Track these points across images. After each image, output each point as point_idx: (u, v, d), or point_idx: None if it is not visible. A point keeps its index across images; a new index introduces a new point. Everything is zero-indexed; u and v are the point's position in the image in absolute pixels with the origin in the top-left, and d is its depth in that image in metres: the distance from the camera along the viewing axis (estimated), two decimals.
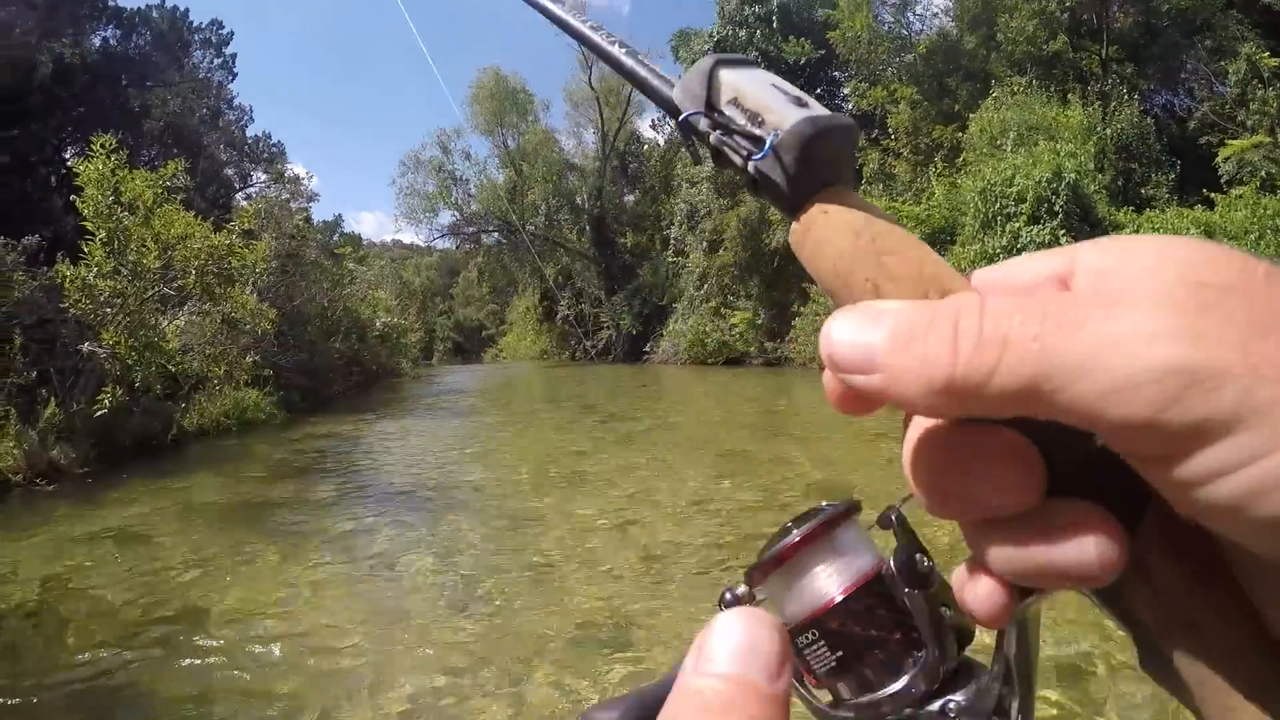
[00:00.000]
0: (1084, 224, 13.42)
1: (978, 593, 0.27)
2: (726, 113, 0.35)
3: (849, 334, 0.24)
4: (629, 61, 0.45)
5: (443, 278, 60.54)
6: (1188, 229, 11.78)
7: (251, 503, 7.01)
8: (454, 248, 47.20)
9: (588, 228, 37.00)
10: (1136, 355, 0.19)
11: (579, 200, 37.46)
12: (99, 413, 8.81)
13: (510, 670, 3.30)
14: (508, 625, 3.80)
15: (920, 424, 0.26)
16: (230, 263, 11.20)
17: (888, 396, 0.24)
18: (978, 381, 0.21)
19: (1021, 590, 0.27)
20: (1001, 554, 0.25)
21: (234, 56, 29.53)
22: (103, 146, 9.79)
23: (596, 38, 0.49)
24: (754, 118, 0.33)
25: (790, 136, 0.31)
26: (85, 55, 21.16)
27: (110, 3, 23.74)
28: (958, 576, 0.28)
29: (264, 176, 28.41)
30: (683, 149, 25.03)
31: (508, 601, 4.12)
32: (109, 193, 9.78)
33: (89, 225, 9.79)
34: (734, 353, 24.74)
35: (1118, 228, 13.28)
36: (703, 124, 0.36)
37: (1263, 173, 12.59)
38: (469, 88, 37.76)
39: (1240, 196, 11.86)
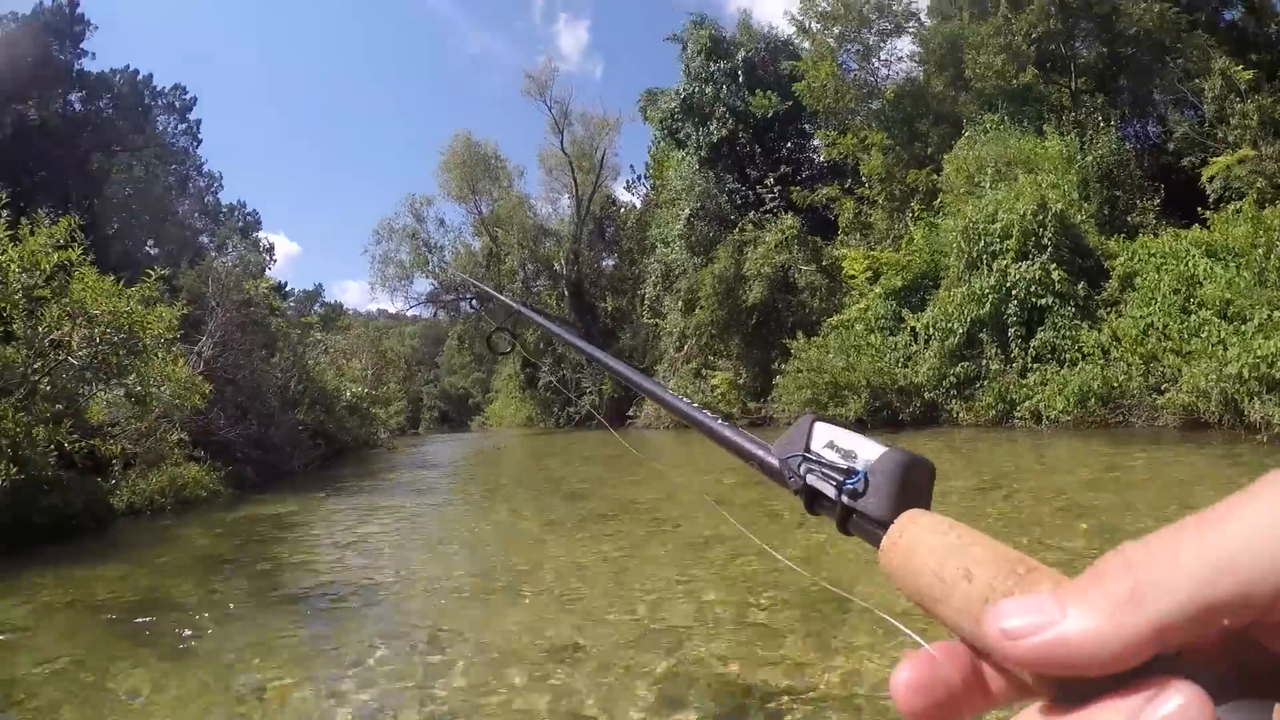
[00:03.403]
0: (1075, 255, 12.71)
1: None
2: (821, 455, 0.42)
3: (1021, 605, 0.26)
4: (728, 433, 0.57)
5: (426, 346, 60.02)
6: (1187, 250, 11.06)
7: (148, 603, 6.20)
8: (433, 316, 46.46)
9: (566, 293, 36.37)
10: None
11: (556, 266, 36.89)
12: None
13: None
14: None
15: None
16: (138, 332, 10.27)
17: (1075, 644, 0.24)
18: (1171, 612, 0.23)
19: None
20: None
21: (198, 122, 29.42)
22: None
23: (698, 415, 0.64)
24: (848, 455, 0.41)
25: (883, 463, 0.39)
26: (47, 119, 20.76)
27: (75, 65, 23.46)
28: None
29: (237, 249, 27.80)
30: (657, 208, 24.67)
31: None
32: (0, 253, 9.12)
33: None
34: (717, 414, 23.65)
35: (1110, 256, 12.58)
36: (797, 461, 0.43)
37: (1258, 184, 11.92)
38: (440, 154, 37.55)
39: (1239, 211, 11.16)
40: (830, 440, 0.42)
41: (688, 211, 26.14)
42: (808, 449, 0.43)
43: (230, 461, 14.26)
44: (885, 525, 0.36)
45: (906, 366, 14.99)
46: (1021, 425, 12.01)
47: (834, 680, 3.46)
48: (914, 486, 0.37)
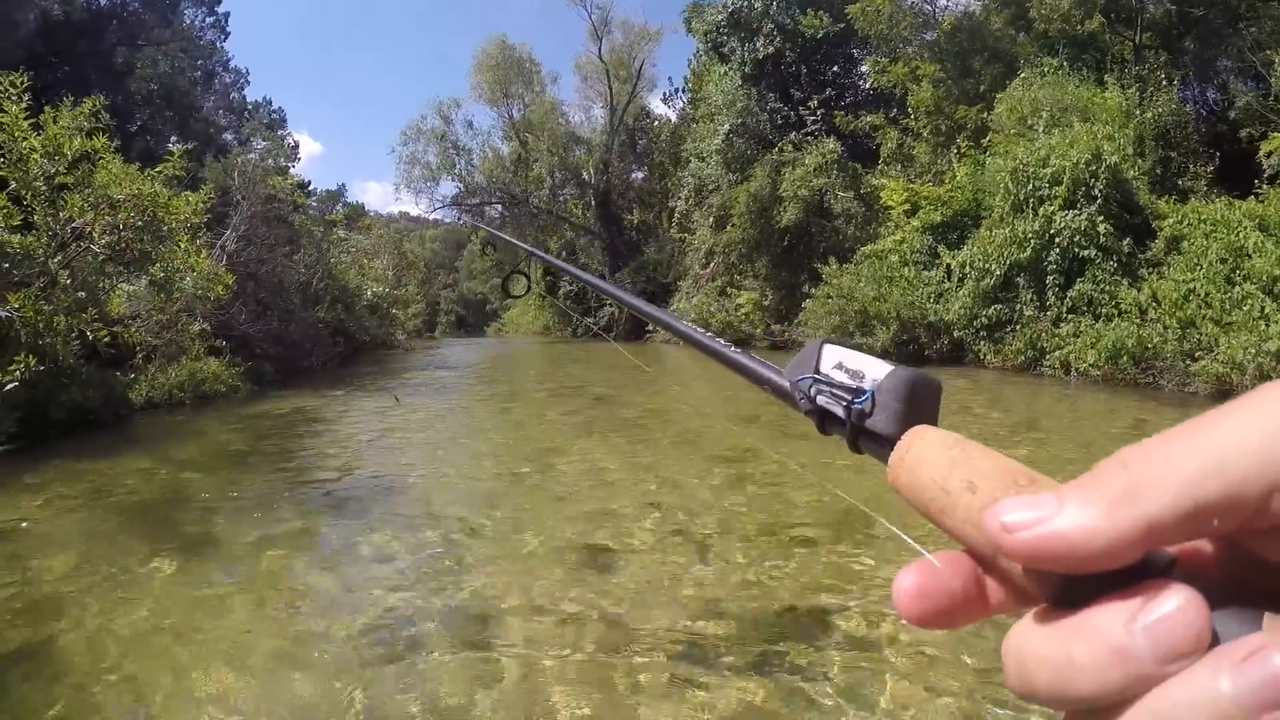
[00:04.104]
0: (1124, 211, 12.64)
1: None
2: (831, 375, 0.43)
3: (1021, 502, 0.27)
4: (737, 356, 0.58)
5: (447, 251, 59.99)
6: (1239, 221, 11.01)
7: (164, 496, 6.29)
8: (456, 220, 46.31)
9: (593, 202, 36.19)
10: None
11: (585, 175, 36.57)
12: (9, 385, 7.90)
13: None
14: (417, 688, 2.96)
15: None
16: (161, 217, 9.95)
17: (1071, 537, 0.25)
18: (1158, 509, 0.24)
19: None
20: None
21: (226, 15, 28.59)
22: (12, 85, 8.91)
23: (704, 339, 0.64)
24: (856, 375, 0.42)
25: (889, 381, 0.40)
26: (71, 13, 20.42)
27: None
28: None
29: (264, 143, 27.49)
30: (694, 123, 24.29)
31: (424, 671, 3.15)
32: (21, 137, 8.92)
33: (3, 173, 8.95)
34: (739, 334, 23.96)
35: (1159, 217, 12.54)
36: (807, 383, 0.44)
37: None
38: (473, 56, 36.79)
39: None
40: (839, 361, 0.43)
41: (727, 127, 25.77)
42: (817, 370, 0.44)
43: (250, 357, 14.46)
44: (893, 442, 0.37)
45: (938, 303, 15.14)
46: (1050, 374, 12.25)
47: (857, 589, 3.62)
48: (921, 403, 0.39)
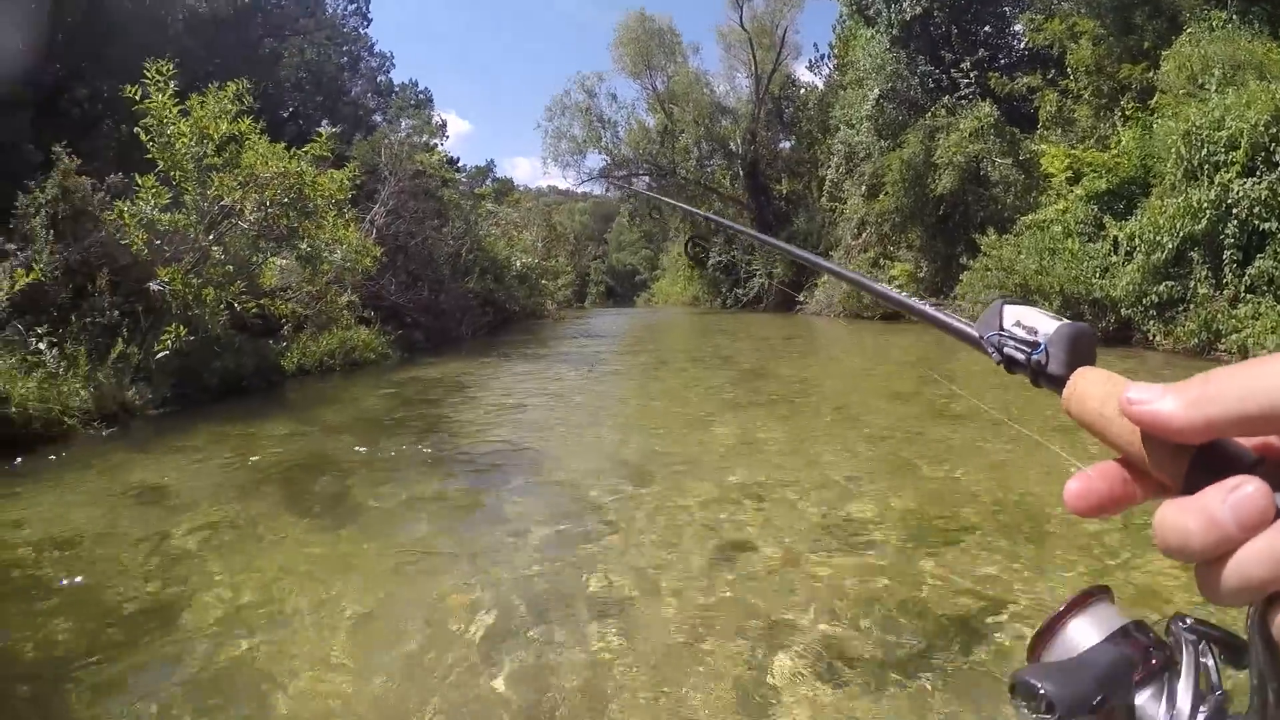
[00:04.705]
0: None
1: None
2: (1013, 331, 0.56)
3: (1144, 388, 0.39)
4: (933, 311, 0.70)
5: (596, 223, 61.53)
6: None
7: (311, 462, 6.53)
8: (604, 191, 47.55)
9: (740, 173, 36.29)
10: None
11: (732, 146, 36.68)
12: (160, 354, 8.54)
13: None
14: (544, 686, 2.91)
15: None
16: (308, 194, 10.36)
17: (1163, 415, 0.37)
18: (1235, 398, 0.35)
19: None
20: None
21: (368, 2, 30.41)
22: (159, 73, 9.38)
23: (903, 297, 0.80)
24: (1031, 331, 0.55)
25: (1057, 335, 0.52)
26: (218, 9, 21.95)
27: None
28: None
29: (411, 122, 29.06)
30: (841, 89, 23.91)
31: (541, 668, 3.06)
32: (170, 123, 9.47)
33: (153, 156, 9.51)
34: (892, 307, 23.60)
35: None
36: (996, 339, 0.57)
37: None
38: (614, 30, 37.50)
39: None
40: (1018, 319, 0.56)
41: (876, 93, 25.20)
42: (1001, 328, 0.57)
43: (400, 326, 15.18)
44: (1063, 381, 0.48)
45: (1104, 278, 14.51)
46: (1226, 359, 11.62)
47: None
48: (1082, 350, 0.51)
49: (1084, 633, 0.53)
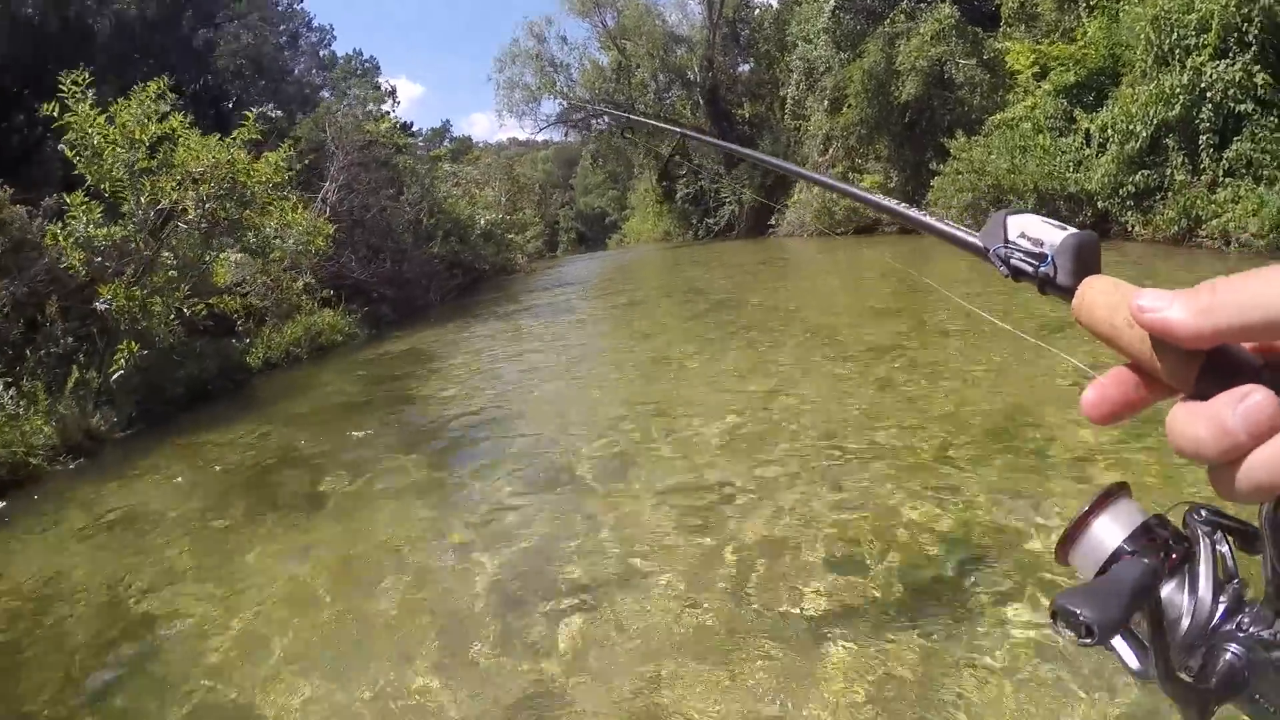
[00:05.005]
0: None
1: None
2: (1018, 243, 0.55)
3: (1153, 295, 0.40)
4: (938, 224, 0.67)
5: (560, 169, 60.45)
6: None
7: (281, 460, 6.48)
8: (564, 136, 46.52)
9: (701, 101, 35.50)
10: None
11: (690, 75, 35.78)
12: (116, 374, 8.26)
13: None
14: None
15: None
16: (243, 182, 9.88)
17: (1173, 322, 0.38)
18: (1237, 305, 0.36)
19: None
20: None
21: None
22: (75, 84, 8.94)
23: (903, 209, 0.76)
24: (1037, 242, 0.54)
25: (1062, 248, 0.52)
26: (144, 7, 21.22)
27: None
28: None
29: (357, 88, 27.98)
30: (797, 5, 23.10)
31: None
32: (95, 133, 9.04)
33: (80, 170, 9.07)
34: (865, 220, 23.44)
35: None
36: (1003, 252, 0.56)
37: None
38: None
39: None
40: (1022, 230, 0.55)
41: (832, 4, 24.50)
42: (1006, 240, 0.56)
43: (366, 302, 15.01)
44: (1072, 291, 0.49)
45: (1078, 171, 14.37)
46: (1208, 245, 11.57)
47: None
48: (1087, 259, 0.51)
49: (1108, 530, 0.54)
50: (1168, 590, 0.50)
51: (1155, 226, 12.62)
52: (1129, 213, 13.19)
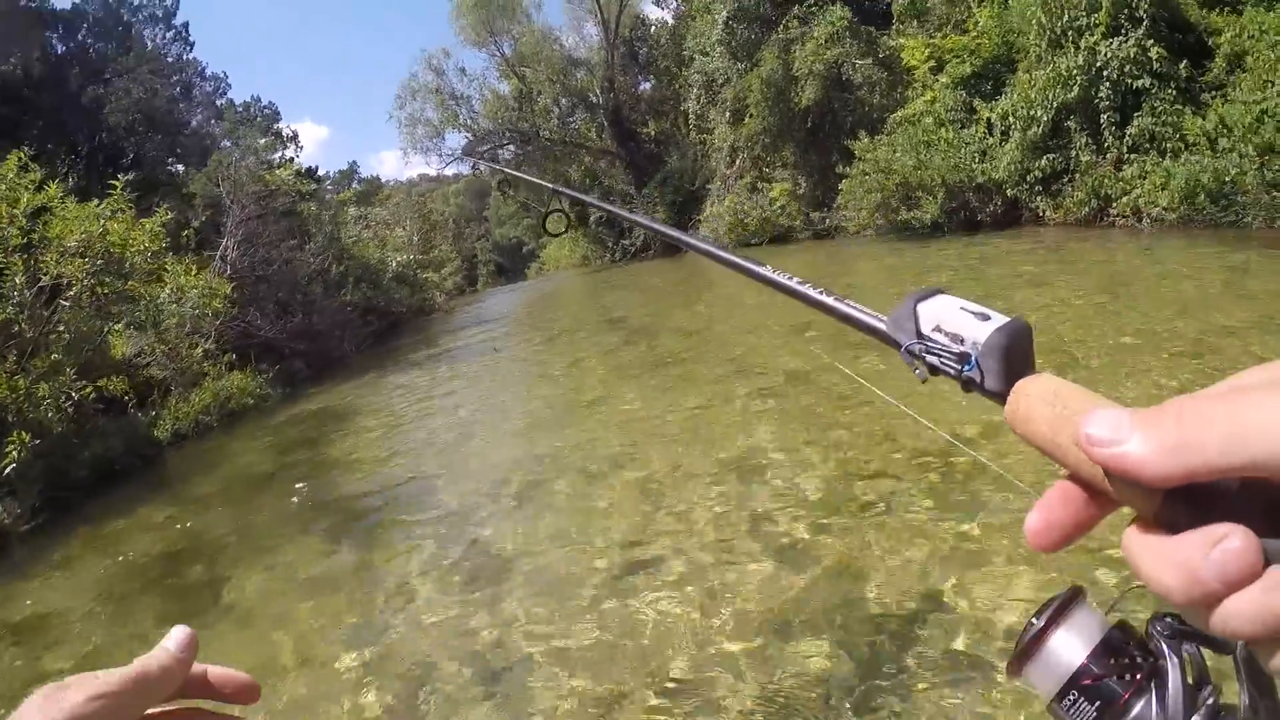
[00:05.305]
0: (1174, 31, 11.38)
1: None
2: (934, 338, 0.49)
3: (1106, 423, 0.34)
4: (842, 306, 0.59)
5: (473, 202, 59.54)
6: None
7: (183, 551, 6.17)
8: (472, 169, 45.65)
9: (605, 123, 35.06)
10: None
11: (592, 97, 35.33)
12: (8, 467, 7.77)
13: None
14: None
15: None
16: (118, 253, 9.38)
17: (1132, 462, 0.32)
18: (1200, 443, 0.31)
19: None
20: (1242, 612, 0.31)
21: (185, 25, 28.51)
22: None
23: (807, 290, 0.65)
24: (956, 338, 0.47)
25: (987, 349, 0.45)
26: (29, 68, 20.46)
27: (46, 5, 22.88)
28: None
29: (261, 141, 27.06)
30: (691, 19, 22.87)
31: None
32: None
33: None
34: (778, 228, 23.21)
35: (1214, 33, 11.22)
36: (917, 349, 0.49)
37: None
38: (451, 1, 35.35)
39: None
40: (937, 324, 0.48)
41: (725, 14, 24.34)
42: (919, 334, 0.49)
43: (279, 360, 14.34)
44: (1003, 397, 0.43)
45: (984, 161, 14.21)
46: (1121, 224, 11.36)
47: None
48: (1018, 357, 0.44)
49: (1069, 646, 0.45)
50: (1137, 709, 0.43)
51: (1066, 209, 12.44)
52: (1038, 198, 13.01)
